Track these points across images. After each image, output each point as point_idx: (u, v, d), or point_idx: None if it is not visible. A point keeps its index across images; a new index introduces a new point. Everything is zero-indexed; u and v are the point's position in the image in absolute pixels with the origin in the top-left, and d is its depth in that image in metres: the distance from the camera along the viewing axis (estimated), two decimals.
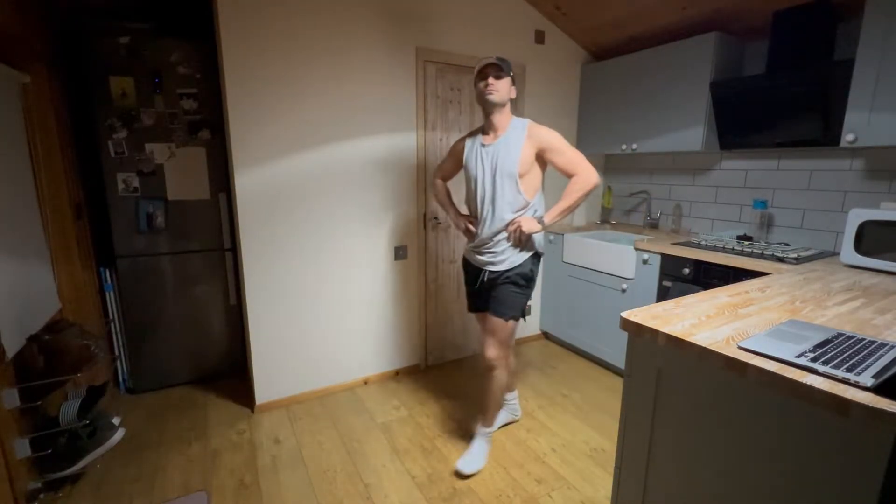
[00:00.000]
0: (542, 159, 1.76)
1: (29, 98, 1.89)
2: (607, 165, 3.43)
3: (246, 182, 2.18)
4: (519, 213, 1.77)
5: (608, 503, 1.73)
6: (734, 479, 0.99)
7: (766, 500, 0.93)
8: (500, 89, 1.70)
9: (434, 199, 2.02)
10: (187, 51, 2.36)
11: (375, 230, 2.56)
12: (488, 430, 2.00)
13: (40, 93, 1.99)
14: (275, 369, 2.39)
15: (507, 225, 1.77)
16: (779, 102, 2.14)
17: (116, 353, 2.55)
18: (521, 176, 1.73)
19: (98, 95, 2.24)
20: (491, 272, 1.85)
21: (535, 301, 3.30)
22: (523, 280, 1.83)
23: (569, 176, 1.76)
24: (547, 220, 1.78)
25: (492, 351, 1.86)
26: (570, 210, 1.76)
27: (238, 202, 2.19)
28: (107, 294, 2.48)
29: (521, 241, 1.78)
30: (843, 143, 1.88)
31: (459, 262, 2.04)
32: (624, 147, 2.86)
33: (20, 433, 1.57)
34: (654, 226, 3.08)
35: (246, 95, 2.11)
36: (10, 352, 1.55)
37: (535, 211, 1.81)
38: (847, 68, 1.85)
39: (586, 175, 1.72)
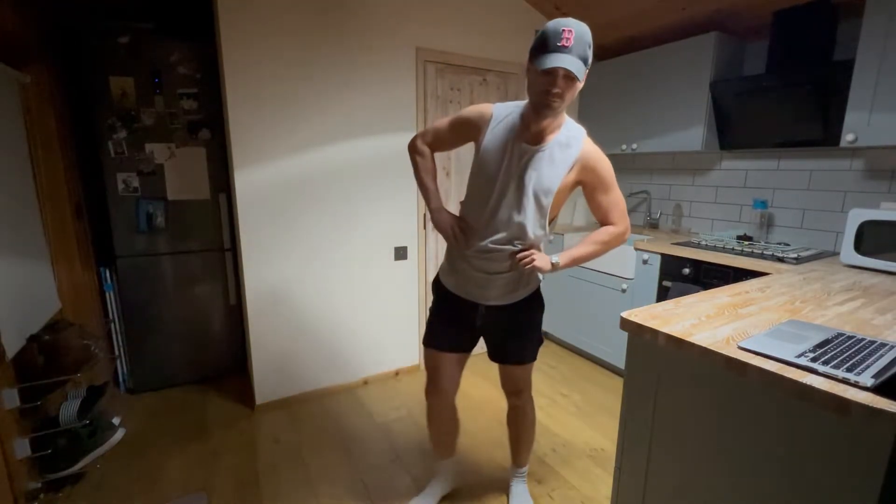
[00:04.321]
0: (576, 186, 1.39)
1: (29, 98, 1.89)
2: None
3: (246, 182, 2.18)
4: (532, 240, 1.39)
5: (608, 503, 1.73)
6: (734, 480, 0.99)
7: (765, 500, 0.93)
8: (567, 98, 1.20)
9: (416, 169, 1.50)
10: (187, 51, 2.36)
11: (375, 230, 2.56)
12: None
13: (40, 93, 1.99)
14: (275, 369, 2.39)
15: (517, 251, 1.37)
16: (779, 102, 2.14)
17: (116, 353, 2.55)
18: (553, 197, 1.35)
19: (98, 95, 2.24)
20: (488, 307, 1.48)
21: None
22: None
23: (603, 221, 1.42)
24: (562, 263, 1.39)
25: (528, 392, 1.65)
26: (587, 260, 1.44)
27: (238, 202, 2.19)
28: (107, 294, 2.48)
29: (524, 274, 1.44)
30: (843, 143, 1.88)
31: None
32: (624, 147, 2.86)
33: (20, 433, 1.57)
34: (654, 226, 3.08)
35: (246, 95, 2.11)
36: (10, 352, 1.55)
37: (550, 241, 1.54)
38: (847, 68, 1.85)
39: (624, 229, 1.41)
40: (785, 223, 2.41)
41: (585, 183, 1.37)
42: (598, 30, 2.88)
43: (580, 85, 1.20)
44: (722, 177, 2.68)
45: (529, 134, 1.30)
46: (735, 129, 2.38)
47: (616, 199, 1.39)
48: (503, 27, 2.77)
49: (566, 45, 1.14)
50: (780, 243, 2.35)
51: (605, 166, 1.35)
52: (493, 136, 1.34)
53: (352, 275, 2.53)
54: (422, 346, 1.62)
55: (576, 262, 1.43)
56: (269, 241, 2.28)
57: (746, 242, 2.34)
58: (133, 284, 2.44)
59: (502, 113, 1.35)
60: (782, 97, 2.11)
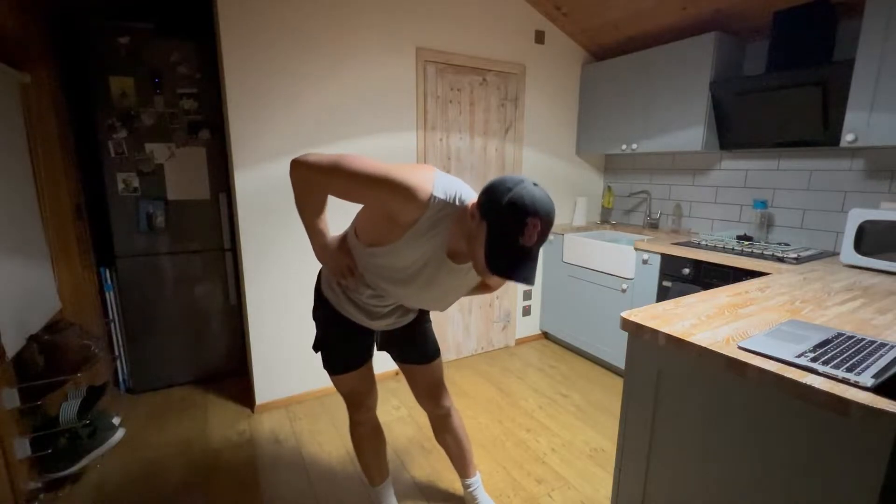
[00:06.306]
0: None
1: (29, 98, 1.89)
2: (607, 165, 3.43)
3: (246, 182, 2.18)
4: None
5: (608, 503, 1.73)
6: (734, 480, 0.99)
7: (765, 500, 0.93)
8: None
9: (305, 202, 1.34)
10: (187, 51, 2.36)
11: None
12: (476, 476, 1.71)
13: (40, 93, 1.99)
14: (275, 369, 2.39)
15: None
16: (779, 102, 2.14)
17: (116, 353, 2.55)
18: None
19: (98, 95, 2.24)
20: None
21: (536, 301, 3.30)
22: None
23: (485, 283, 1.43)
24: None
25: (448, 397, 1.59)
26: None
27: (238, 202, 2.19)
28: (107, 294, 2.48)
29: None
30: (843, 143, 1.88)
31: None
32: (624, 147, 2.86)
33: (20, 433, 1.57)
34: (654, 226, 3.08)
35: (246, 95, 2.11)
36: (10, 352, 1.55)
37: None
38: (847, 68, 1.85)
39: (494, 292, 1.51)
40: (785, 223, 2.41)
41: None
42: (598, 29, 2.91)
43: None
44: (722, 177, 2.68)
45: (457, 257, 1.17)
46: (735, 129, 2.38)
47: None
48: (503, 27, 2.77)
49: (528, 243, 0.94)
50: (780, 243, 2.35)
51: None
52: (418, 252, 1.15)
53: None
54: (333, 375, 1.46)
55: None
56: (269, 241, 2.28)
57: (746, 242, 2.34)
58: (133, 284, 2.44)
59: (438, 205, 1.10)
60: (782, 97, 2.11)
